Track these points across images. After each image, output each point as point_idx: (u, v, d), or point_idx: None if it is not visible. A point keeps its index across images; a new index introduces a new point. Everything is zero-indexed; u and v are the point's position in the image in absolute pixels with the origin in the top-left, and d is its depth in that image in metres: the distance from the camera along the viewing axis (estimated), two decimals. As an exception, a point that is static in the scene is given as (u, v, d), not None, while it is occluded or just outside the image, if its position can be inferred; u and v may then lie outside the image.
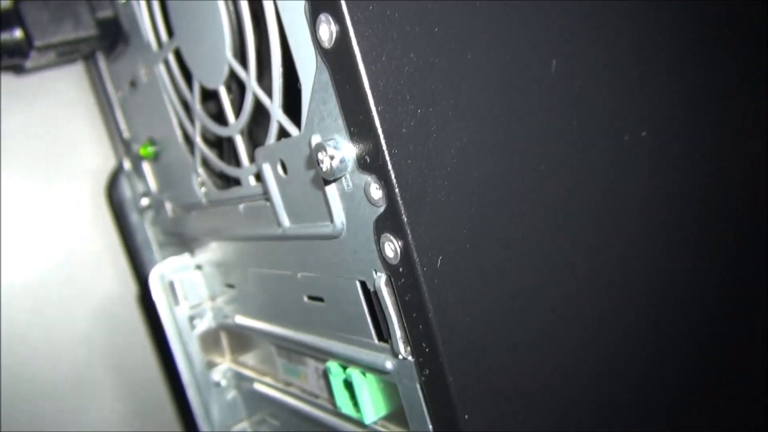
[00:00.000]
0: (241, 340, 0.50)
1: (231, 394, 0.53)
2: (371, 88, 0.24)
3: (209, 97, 0.40)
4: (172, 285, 0.50)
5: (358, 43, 0.24)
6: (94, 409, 0.59)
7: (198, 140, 0.42)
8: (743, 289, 0.38)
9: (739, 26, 0.35)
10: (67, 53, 0.47)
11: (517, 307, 0.28)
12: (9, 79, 0.56)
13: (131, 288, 0.60)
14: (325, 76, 0.26)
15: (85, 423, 0.58)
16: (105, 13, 0.46)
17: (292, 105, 0.31)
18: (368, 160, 0.26)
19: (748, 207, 0.37)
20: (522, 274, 0.28)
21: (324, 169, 0.27)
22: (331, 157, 0.26)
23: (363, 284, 0.30)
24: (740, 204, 0.37)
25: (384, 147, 0.25)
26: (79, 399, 0.58)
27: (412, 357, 0.28)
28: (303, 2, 0.26)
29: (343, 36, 0.24)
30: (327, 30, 0.25)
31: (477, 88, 0.27)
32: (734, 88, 0.36)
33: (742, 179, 0.37)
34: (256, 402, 0.50)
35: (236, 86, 0.36)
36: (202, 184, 0.44)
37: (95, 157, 0.59)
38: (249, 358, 0.50)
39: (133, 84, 0.49)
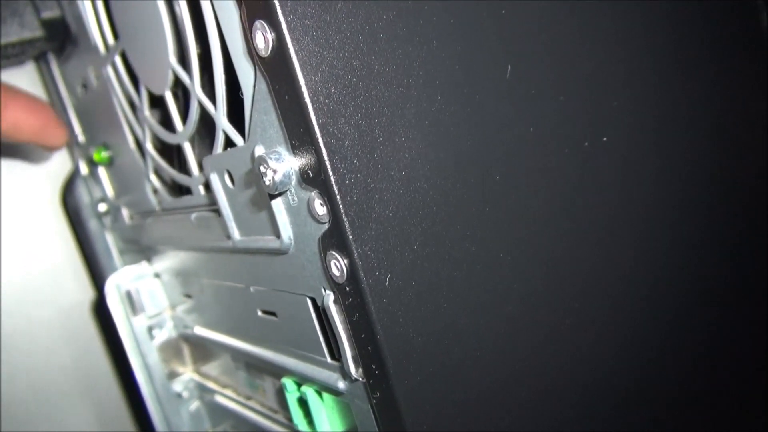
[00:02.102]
0: (203, 349, 0.49)
1: (194, 405, 0.51)
2: (311, 99, 0.23)
3: (159, 102, 0.38)
4: (129, 294, 0.49)
5: (296, 52, 0.23)
6: (53, 421, 0.57)
7: (148, 147, 0.40)
8: (725, 295, 0.37)
9: (700, 28, 0.34)
10: (12, 55, 0.45)
11: (473, 326, 0.27)
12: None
13: (91, 297, 0.58)
14: (265, 86, 0.25)
15: (45, 435, 0.57)
16: (51, 13, 0.43)
17: (239, 113, 0.30)
18: (311, 175, 0.24)
19: (723, 209, 0.36)
20: (478, 291, 0.27)
21: (267, 183, 0.25)
22: (274, 171, 0.25)
23: (314, 301, 0.29)
24: (715, 206, 0.36)
25: (326, 161, 0.23)
26: (38, 411, 0.56)
27: (363, 378, 0.27)
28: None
29: (279, 44, 0.23)
30: (263, 38, 0.23)
31: (426, 96, 0.25)
32: (697, 90, 0.35)
33: (715, 182, 0.36)
34: (219, 414, 0.49)
35: (183, 92, 0.35)
36: (155, 191, 0.42)
37: (52, 160, 0.57)
38: (211, 368, 0.49)
39: (85, 86, 0.47)
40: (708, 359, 0.37)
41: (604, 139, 0.31)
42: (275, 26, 0.23)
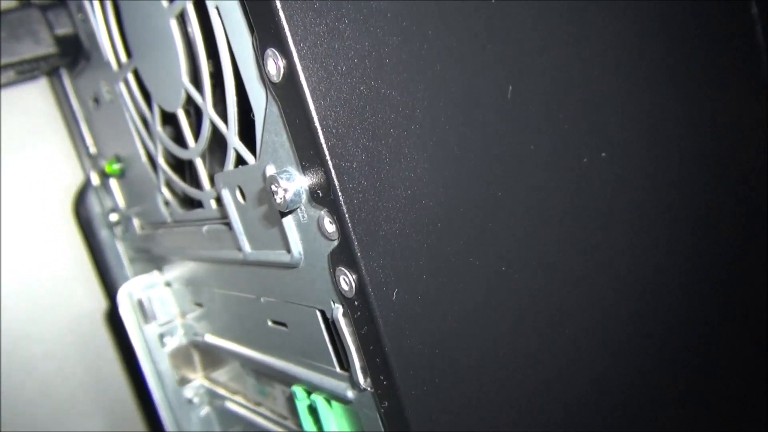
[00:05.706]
0: (213, 356, 0.50)
1: (204, 410, 0.53)
2: (320, 123, 0.24)
3: (171, 117, 0.39)
4: (141, 303, 0.50)
5: (306, 78, 0.24)
6: (66, 427, 0.58)
7: (160, 161, 0.41)
8: (725, 301, 0.38)
9: (697, 44, 0.35)
10: (27, 71, 0.46)
11: (479, 339, 0.28)
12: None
13: (102, 305, 0.59)
14: (276, 109, 0.26)
15: (58, 441, 0.58)
16: (64, 29, 0.45)
17: (249, 131, 0.31)
18: (320, 194, 0.25)
19: (718, 222, 0.37)
20: (481, 303, 0.28)
21: (278, 201, 0.26)
22: (285, 190, 0.26)
23: (324, 313, 0.30)
24: (710, 219, 0.37)
25: (335, 182, 0.25)
26: (49, 418, 0.57)
27: (372, 388, 0.28)
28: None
29: (290, 71, 0.24)
30: (274, 65, 0.24)
31: (431, 118, 0.26)
32: (695, 105, 0.35)
33: (710, 194, 0.37)
34: (229, 419, 0.50)
35: (194, 110, 0.36)
36: (167, 203, 0.43)
37: (64, 172, 0.58)
38: (221, 374, 0.50)
39: (97, 101, 0.49)
40: (706, 360, 0.38)
41: (603, 154, 0.32)
42: (286, 54, 0.24)
